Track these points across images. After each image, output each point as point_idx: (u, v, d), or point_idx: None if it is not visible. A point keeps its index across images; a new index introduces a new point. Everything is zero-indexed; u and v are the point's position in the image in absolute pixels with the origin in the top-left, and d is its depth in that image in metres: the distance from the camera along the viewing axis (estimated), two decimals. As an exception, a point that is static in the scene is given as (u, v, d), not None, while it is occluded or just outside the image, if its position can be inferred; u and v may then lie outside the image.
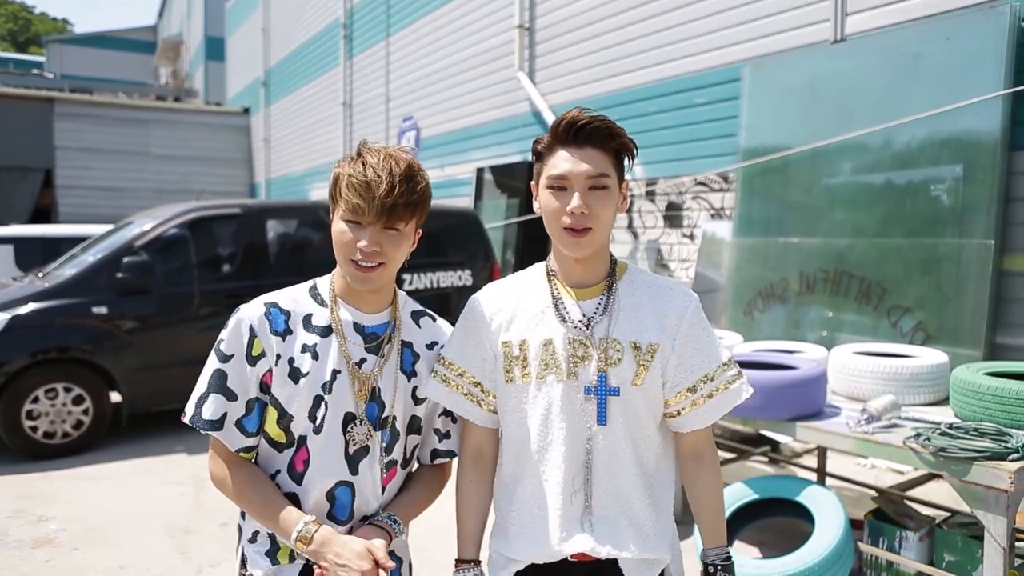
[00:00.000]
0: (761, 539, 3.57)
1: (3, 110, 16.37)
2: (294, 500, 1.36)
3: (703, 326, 1.41)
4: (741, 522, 3.20)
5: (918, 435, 2.53)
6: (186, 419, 1.37)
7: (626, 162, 1.37)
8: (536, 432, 1.36)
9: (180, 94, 26.71)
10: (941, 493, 3.88)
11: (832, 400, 3.23)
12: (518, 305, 1.42)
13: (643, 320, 1.37)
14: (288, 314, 1.37)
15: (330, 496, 1.36)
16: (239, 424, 1.34)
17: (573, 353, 1.34)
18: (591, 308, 1.37)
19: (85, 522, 3.96)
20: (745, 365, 3.25)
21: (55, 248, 7.38)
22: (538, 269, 1.46)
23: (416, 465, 1.56)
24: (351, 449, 1.36)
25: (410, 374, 1.44)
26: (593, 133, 1.30)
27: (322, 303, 1.40)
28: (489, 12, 8.98)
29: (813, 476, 3.81)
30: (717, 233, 5.75)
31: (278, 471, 1.38)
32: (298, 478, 1.36)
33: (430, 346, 1.48)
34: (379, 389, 1.38)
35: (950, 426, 2.53)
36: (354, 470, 1.37)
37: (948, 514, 3.10)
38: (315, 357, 1.35)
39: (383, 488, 1.41)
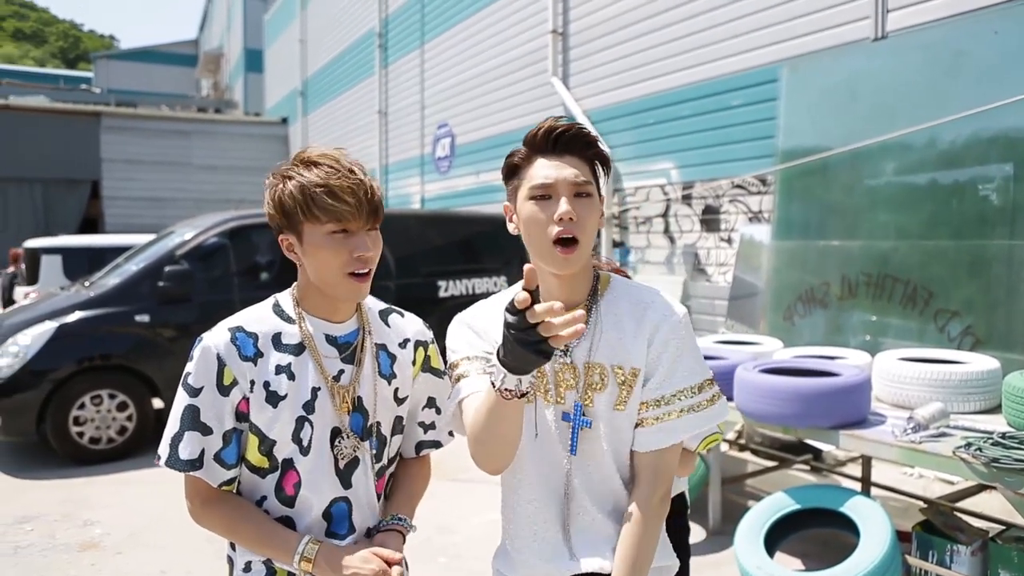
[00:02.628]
0: (804, 551, 3.47)
1: (53, 125, 16.94)
2: (287, 523, 1.32)
3: (675, 345, 1.30)
4: (782, 533, 3.12)
5: (969, 445, 2.43)
6: (161, 463, 1.28)
7: (601, 177, 1.32)
8: (524, 450, 1.31)
9: (220, 105, 27.35)
10: (993, 505, 3.73)
11: (877, 408, 3.13)
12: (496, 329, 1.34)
13: (624, 340, 1.29)
14: (255, 336, 1.30)
15: (327, 514, 1.32)
16: (218, 458, 1.27)
17: (560, 378, 1.30)
18: None
19: (129, 526, 4.04)
20: (786, 372, 3.18)
21: (101, 258, 7.60)
22: (516, 288, 1.41)
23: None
24: (341, 464, 1.32)
25: (389, 377, 1.39)
26: (572, 140, 1.26)
27: (288, 320, 1.33)
28: (522, 18, 8.99)
29: (857, 485, 3.70)
30: (755, 236, 5.65)
31: (264, 497, 1.32)
32: (289, 501, 1.31)
33: (403, 344, 1.43)
34: (361, 398, 1.34)
35: (1003, 435, 2.43)
36: (347, 484, 1.33)
37: (1002, 527, 2.98)
38: (291, 377, 1.29)
39: (378, 496, 1.39)
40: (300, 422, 1.29)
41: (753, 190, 5.89)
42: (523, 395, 1.13)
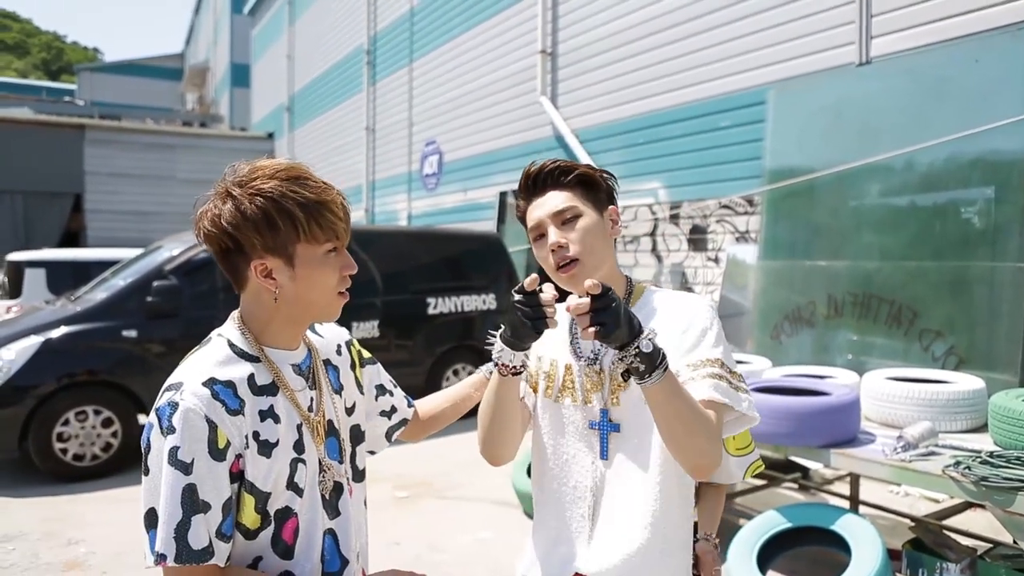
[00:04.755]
0: (794, 568, 3.49)
1: (36, 137, 16.80)
2: None
3: (703, 325, 1.33)
4: (774, 551, 3.14)
5: (958, 463, 2.48)
6: (169, 562, 1.08)
7: (613, 188, 1.41)
8: (552, 449, 1.41)
9: (206, 120, 27.27)
10: (979, 523, 3.78)
11: (865, 426, 3.17)
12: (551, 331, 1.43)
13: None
14: (232, 385, 1.14)
15: (320, 554, 1.24)
16: (220, 534, 1.10)
17: (588, 380, 1.38)
18: None
19: (114, 545, 3.98)
20: (776, 391, 3.22)
21: (85, 271, 7.52)
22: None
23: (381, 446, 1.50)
24: (327, 495, 1.25)
25: (339, 390, 1.34)
26: (547, 177, 1.37)
27: (252, 358, 1.19)
28: (512, 38, 9.09)
29: (846, 504, 3.73)
30: (742, 256, 5.72)
31: (259, 558, 1.19)
32: (288, 552, 1.20)
33: (339, 350, 1.38)
34: (332, 421, 1.28)
35: (991, 454, 2.48)
36: (334, 513, 1.26)
37: (990, 545, 3.02)
38: (276, 420, 1.18)
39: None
40: (294, 464, 1.19)
41: (740, 210, 5.97)
42: (518, 372, 1.28)
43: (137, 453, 4.96)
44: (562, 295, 1.25)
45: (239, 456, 1.13)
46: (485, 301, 6.84)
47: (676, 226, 6.60)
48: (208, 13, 32.39)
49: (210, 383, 1.12)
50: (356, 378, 1.40)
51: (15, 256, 8.27)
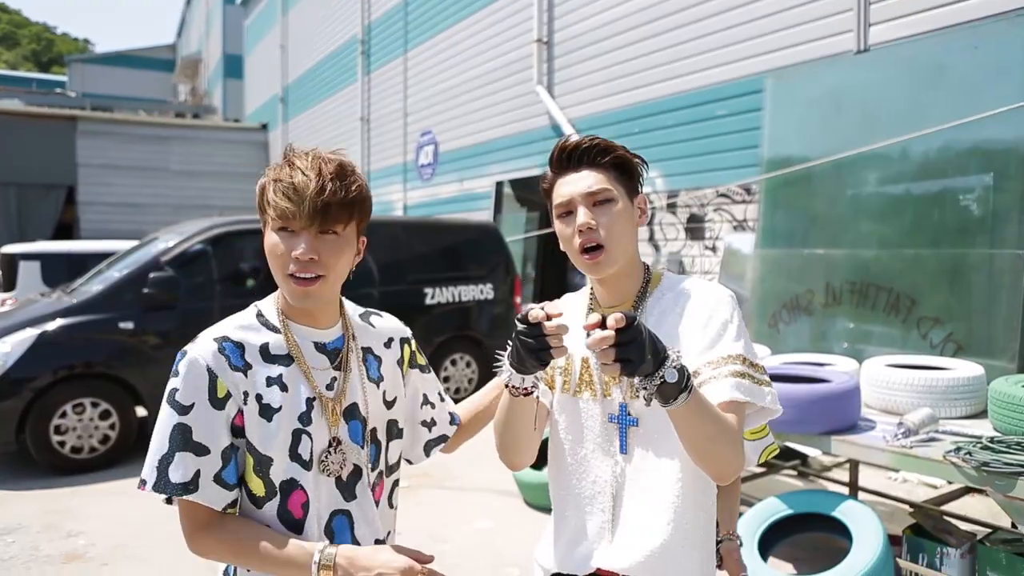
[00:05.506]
0: (795, 555, 3.51)
1: (27, 129, 16.66)
2: None
3: (722, 317, 1.29)
4: (774, 538, 3.16)
5: (959, 449, 2.48)
6: (147, 488, 1.17)
7: (643, 174, 1.38)
8: (570, 444, 1.39)
9: (199, 111, 27.10)
10: (977, 508, 3.81)
11: (866, 413, 3.18)
12: (567, 320, 1.41)
13: (670, 332, 1.32)
14: (242, 347, 1.23)
15: (328, 531, 1.26)
16: (219, 479, 1.18)
17: (606, 376, 1.34)
18: None
19: (114, 537, 3.97)
20: (776, 378, 3.22)
21: (81, 264, 7.48)
22: (586, 289, 1.48)
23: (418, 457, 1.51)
24: (344, 476, 1.27)
25: (378, 380, 1.36)
26: (585, 153, 1.32)
27: (274, 329, 1.27)
28: (507, 27, 9.04)
29: (844, 490, 3.75)
30: (739, 245, 5.72)
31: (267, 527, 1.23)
32: (297, 526, 1.23)
33: (388, 344, 1.41)
34: (356, 405, 1.30)
35: (992, 440, 2.49)
36: (349, 496, 1.28)
37: (989, 530, 3.04)
38: (284, 389, 1.23)
39: (377, 503, 1.34)
40: (297, 435, 1.22)
41: (738, 199, 5.97)
42: (528, 393, 1.23)
43: (135, 446, 4.92)
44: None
45: (240, 411, 1.21)
46: (483, 291, 6.83)
47: (673, 215, 6.60)
48: (200, 3, 32.13)
49: (221, 340, 1.23)
50: (403, 375, 1.43)
51: (9, 249, 8.21)
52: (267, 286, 5.81)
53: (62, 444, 5.06)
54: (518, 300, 7.10)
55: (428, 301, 6.62)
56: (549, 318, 1.10)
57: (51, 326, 5.08)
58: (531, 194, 8.18)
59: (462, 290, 6.74)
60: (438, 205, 10.79)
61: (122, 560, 3.71)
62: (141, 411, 5.38)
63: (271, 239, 1.22)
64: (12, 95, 24.48)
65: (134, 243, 6.86)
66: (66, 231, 16.74)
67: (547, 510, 4.21)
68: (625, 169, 1.34)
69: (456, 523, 4.11)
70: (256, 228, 6.60)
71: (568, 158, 1.33)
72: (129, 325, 5.24)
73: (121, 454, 5.26)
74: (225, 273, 5.70)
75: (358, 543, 1.27)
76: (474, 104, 9.83)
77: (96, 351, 5.18)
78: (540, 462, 3.97)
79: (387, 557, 1.18)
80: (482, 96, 9.63)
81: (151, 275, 5.32)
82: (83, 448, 5.13)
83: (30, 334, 5.00)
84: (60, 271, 7.67)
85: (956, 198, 4.23)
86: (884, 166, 4.60)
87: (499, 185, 8.96)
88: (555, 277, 7.84)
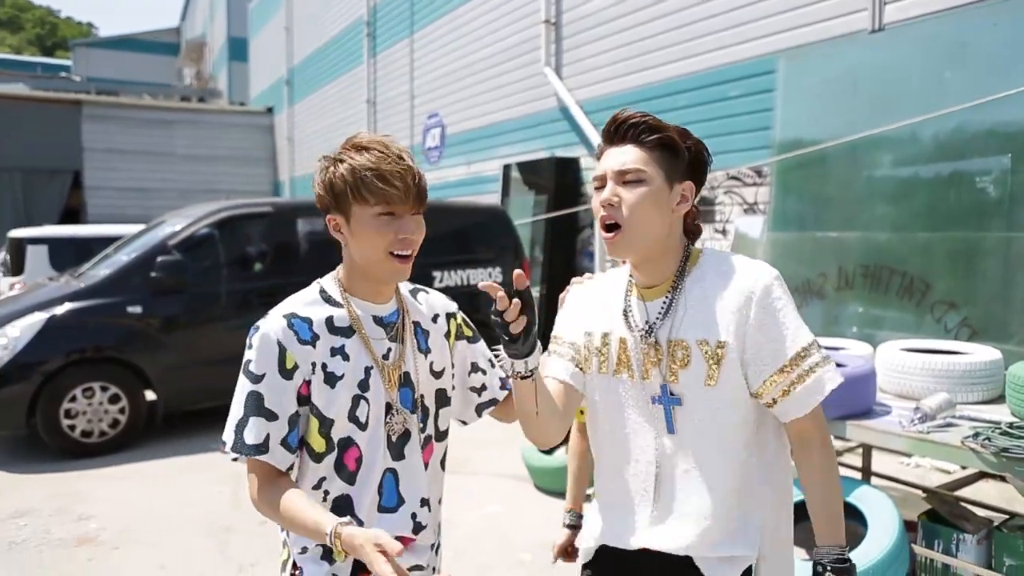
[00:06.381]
0: (807, 540, 3.49)
1: (32, 113, 16.63)
2: (347, 502, 1.35)
3: (775, 308, 1.28)
4: (787, 523, 3.13)
5: (977, 435, 2.44)
6: (227, 449, 1.31)
7: (707, 163, 1.37)
8: (611, 425, 1.39)
9: (204, 95, 27.01)
10: (992, 493, 3.78)
11: (880, 398, 3.14)
12: (602, 300, 1.44)
13: (710, 314, 1.30)
14: (309, 321, 1.36)
15: (379, 488, 1.37)
16: (284, 443, 1.31)
17: (644, 356, 1.34)
18: (655, 310, 1.35)
19: (124, 521, 3.98)
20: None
21: (88, 248, 7.47)
22: (627, 267, 1.46)
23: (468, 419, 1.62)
24: (394, 438, 1.38)
25: (426, 352, 1.46)
26: (629, 129, 1.31)
27: (336, 304, 1.39)
28: (514, 7, 8.93)
29: (857, 475, 3.72)
30: (750, 228, 5.67)
31: (323, 479, 1.36)
32: (351, 478, 1.36)
33: (435, 319, 1.51)
34: (408, 374, 1.41)
35: (1011, 425, 2.45)
36: (399, 456, 1.39)
37: (1006, 516, 3.01)
38: (346, 358, 1.35)
39: (426, 465, 1.44)
40: (356, 400, 1.34)
41: (748, 182, 5.91)
42: (525, 377, 1.25)
43: (144, 430, 4.92)
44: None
45: (307, 381, 1.33)
46: (491, 274, 6.80)
47: (683, 198, 6.54)
48: (204, -14, 31.92)
49: (290, 316, 1.35)
50: (449, 347, 1.52)
51: (17, 233, 8.21)
52: (274, 269, 5.81)
53: (72, 428, 5.07)
54: (527, 283, 7.06)
55: (436, 284, 6.59)
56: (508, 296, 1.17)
57: (60, 310, 5.08)
58: (539, 177, 8.11)
59: (471, 273, 6.71)
60: (446, 188, 10.73)
61: (133, 543, 3.72)
62: (151, 395, 5.38)
63: (373, 223, 1.30)
64: (17, 79, 24.45)
65: (141, 227, 6.84)
66: (73, 216, 16.75)
67: (558, 495, 4.20)
68: (671, 151, 1.31)
69: (466, 508, 4.10)
70: (263, 212, 6.52)
71: (615, 132, 1.32)
72: (137, 309, 5.23)
73: (131, 438, 5.27)
74: (232, 257, 5.68)
75: (403, 499, 1.39)
76: (481, 86, 9.74)
77: (106, 335, 5.18)
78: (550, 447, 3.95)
79: (374, 533, 1.17)
80: (489, 78, 9.54)
81: (159, 259, 5.30)
82: (93, 432, 5.14)
83: (39, 318, 5.00)
84: (68, 255, 7.67)
85: (972, 180, 4.16)
86: (899, 148, 4.53)
87: (507, 168, 8.89)
88: (563, 260, 7.79)
